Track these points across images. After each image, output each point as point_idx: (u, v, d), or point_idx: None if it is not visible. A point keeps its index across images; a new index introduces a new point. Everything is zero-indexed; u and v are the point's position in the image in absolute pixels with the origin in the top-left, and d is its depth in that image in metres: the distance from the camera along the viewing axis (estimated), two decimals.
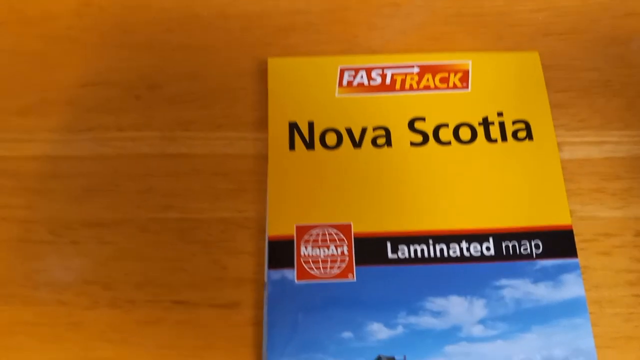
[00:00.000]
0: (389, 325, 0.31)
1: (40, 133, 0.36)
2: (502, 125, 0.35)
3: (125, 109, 0.37)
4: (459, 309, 0.31)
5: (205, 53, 0.38)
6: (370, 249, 0.32)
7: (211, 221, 0.34)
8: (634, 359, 0.31)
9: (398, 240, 0.33)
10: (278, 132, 0.35)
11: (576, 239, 0.33)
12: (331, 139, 0.35)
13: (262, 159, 0.35)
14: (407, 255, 0.32)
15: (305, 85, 0.36)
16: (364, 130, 0.35)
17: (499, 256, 0.32)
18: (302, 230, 0.33)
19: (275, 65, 0.36)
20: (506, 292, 0.32)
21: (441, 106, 0.36)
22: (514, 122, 0.35)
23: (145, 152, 0.36)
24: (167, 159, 0.35)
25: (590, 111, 0.36)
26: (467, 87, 0.36)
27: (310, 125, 0.35)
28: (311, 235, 0.33)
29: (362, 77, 0.36)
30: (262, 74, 0.37)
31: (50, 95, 0.37)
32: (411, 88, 0.36)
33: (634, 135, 0.36)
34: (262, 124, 0.36)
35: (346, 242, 0.33)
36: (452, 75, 0.36)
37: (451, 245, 0.32)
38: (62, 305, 0.32)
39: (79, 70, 0.37)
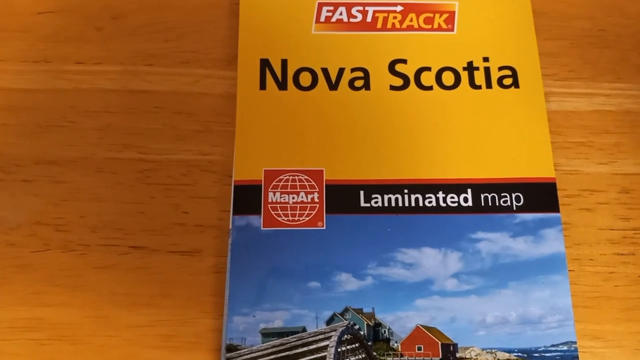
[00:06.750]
0: (358, 275, 0.30)
1: None
2: (487, 70, 0.34)
3: (85, 40, 0.35)
4: (432, 261, 0.30)
5: None
6: (342, 197, 0.31)
7: (172, 163, 0.33)
8: (611, 319, 0.30)
9: (372, 188, 0.31)
10: (248, 70, 0.33)
11: (559, 194, 0.32)
12: (305, 79, 0.33)
13: (231, 98, 0.33)
14: (380, 204, 0.31)
15: (280, 19, 0.34)
16: (341, 71, 0.34)
17: (477, 208, 0.31)
18: (270, 175, 0.31)
19: None
20: (483, 246, 0.31)
21: (424, 48, 0.34)
22: (500, 69, 0.34)
23: (104, 87, 0.34)
24: (128, 95, 0.34)
25: (581, 62, 0.35)
26: (452, 29, 0.35)
27: (284, 63, 0.33)
28: (280, 180, 0.31)
29: (341, 13, 0.35)
30: (233, 6, 0.35)
31: (2, 22, 0.35)
32: (393, 27, 0.34)
33: (625, 88, 0.35)
34: (231, 61, 0.34)
35: (317, 189, 0.31)
36: (437, 15, 0.35)
37: (427, 195, 0.31)
38: (9, 246, 0.31)
39: None
